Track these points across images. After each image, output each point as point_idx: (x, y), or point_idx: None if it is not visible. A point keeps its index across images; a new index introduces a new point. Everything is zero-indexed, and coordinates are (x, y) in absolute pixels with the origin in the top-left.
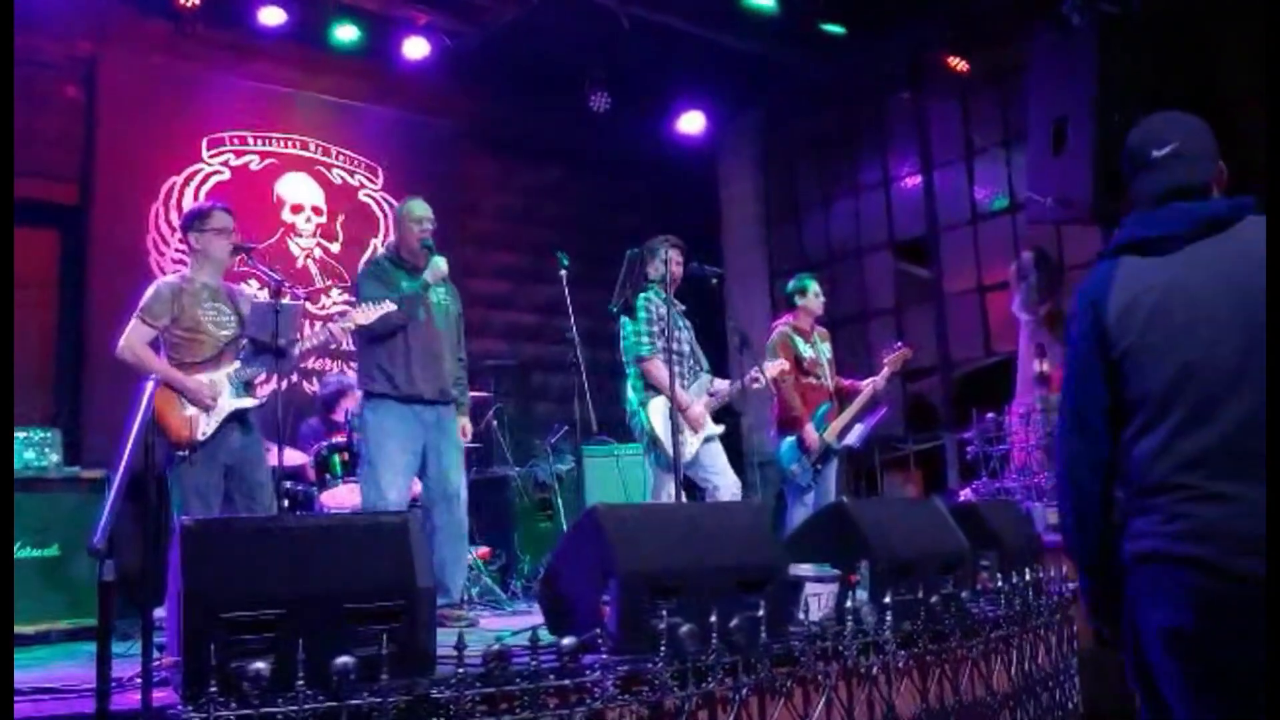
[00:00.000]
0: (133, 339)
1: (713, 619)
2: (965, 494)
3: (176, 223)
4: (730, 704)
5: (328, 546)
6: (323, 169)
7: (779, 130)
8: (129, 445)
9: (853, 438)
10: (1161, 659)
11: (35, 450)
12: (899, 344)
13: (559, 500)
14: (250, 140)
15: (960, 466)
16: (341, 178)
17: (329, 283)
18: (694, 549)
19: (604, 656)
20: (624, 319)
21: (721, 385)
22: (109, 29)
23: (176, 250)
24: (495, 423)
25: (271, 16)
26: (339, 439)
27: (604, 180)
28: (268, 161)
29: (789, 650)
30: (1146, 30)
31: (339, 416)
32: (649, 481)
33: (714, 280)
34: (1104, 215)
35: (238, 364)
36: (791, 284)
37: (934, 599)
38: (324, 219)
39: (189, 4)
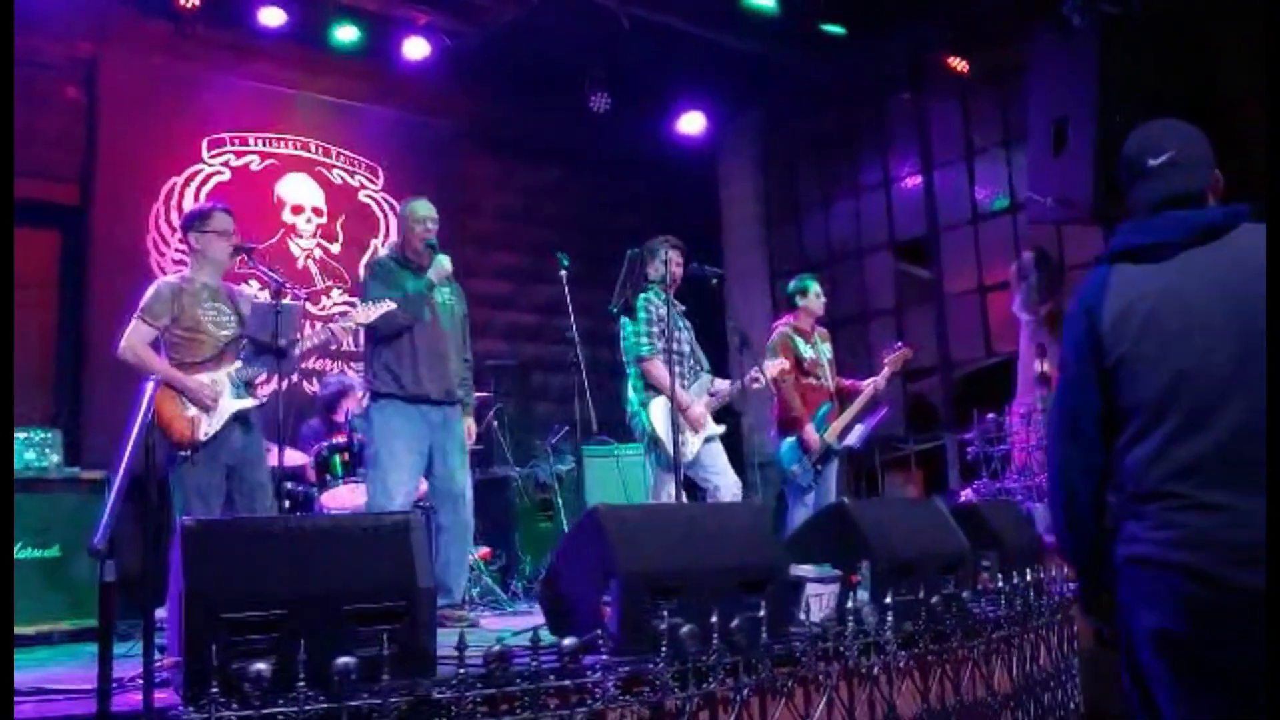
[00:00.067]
0: (133, 339)
1: (714, 619)
2: (966, 494)
3: (177, 223)
4: (731, 704)
5: (329, 547)
6: (323, 169)
7: (779, 130)
8: (129, 446)
9: (853, 438)
10: (1151, 660)
11: (36, 451)
12: (899, 344)
13: (559, 500)
14: (251, 141)
15: (961, 467)
16: (342, 178)
17: (329, 283)
18: (695, 549)
19: (605, 657)
20: (624, 319)
21: (722, 385)
22: (109, 29)
23: (177, 251)
24: (496, 423)
25: (272, 17)
26: (339, 439)
27: (604, 180)
28: (268, 162)
29: (790, 650)
30: (1146, 30)
31: (340, 417)
32: (649, 482)
33: (714, 280)
34: (1104, 216)
35: (238, 364)
36: (792, 284)
37: (935, 599)
38: (324, 219)
39: (189, 4)
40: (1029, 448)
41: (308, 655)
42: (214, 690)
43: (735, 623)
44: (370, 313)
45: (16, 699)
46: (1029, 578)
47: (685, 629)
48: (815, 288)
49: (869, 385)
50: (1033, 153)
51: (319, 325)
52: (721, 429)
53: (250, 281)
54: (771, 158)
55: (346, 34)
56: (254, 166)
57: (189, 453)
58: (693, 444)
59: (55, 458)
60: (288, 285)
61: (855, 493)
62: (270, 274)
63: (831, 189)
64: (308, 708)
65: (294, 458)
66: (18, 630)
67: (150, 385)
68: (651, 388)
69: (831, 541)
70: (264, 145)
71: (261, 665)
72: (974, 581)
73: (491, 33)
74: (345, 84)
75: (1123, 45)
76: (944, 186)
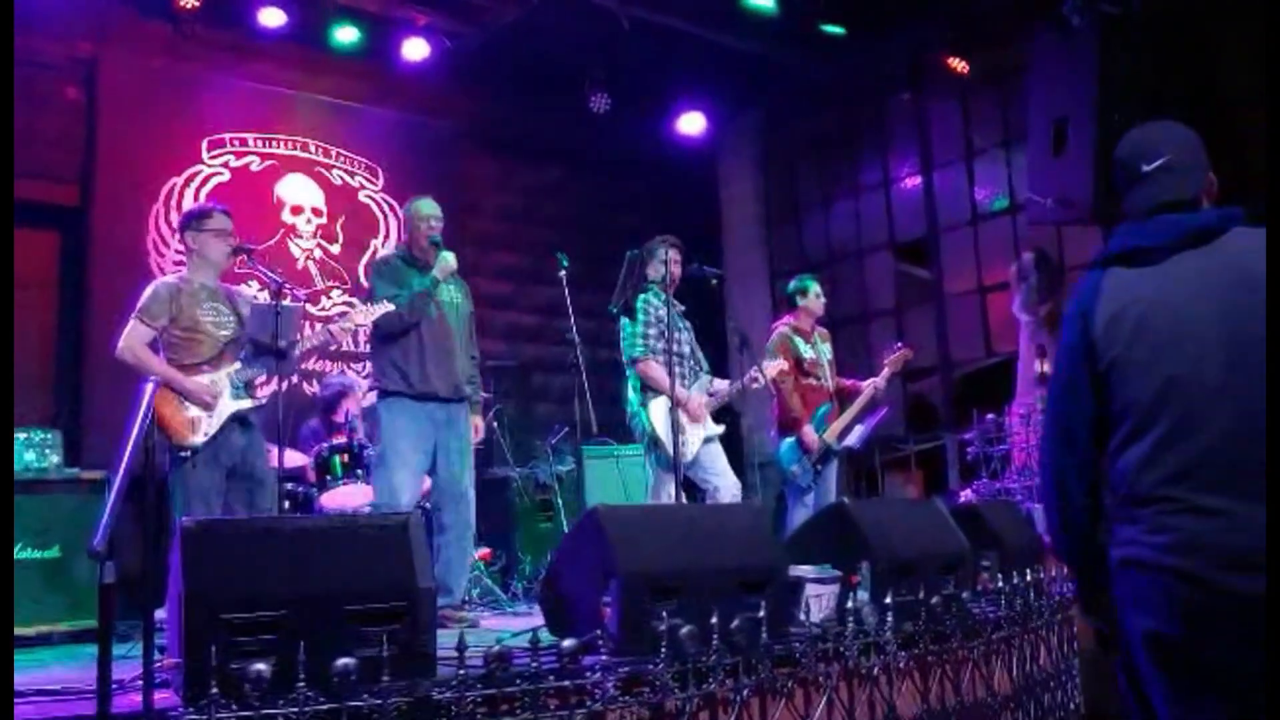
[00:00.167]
0: (132, 340)
1: (714, 620)
2: (966, 494)
3: (176, 224)
4: (731, 705)
5: (328, 548)
6: (323, 170)
7: (779, 130)
8: (129, 447)
9: (853, 438)
10: (1146, 661)
11: (36, 451)
12: (899, 345)
13: (559, 501)
14: (250, 141)
15: (961, 467)
16: (342, 179)
17: (329, 284)
18: (695, 550)
19: (605, 658)
20: (624, 320)
21: (721, 386)
22: (109, 30)
23: (177, 252)
24: (496, 424)
25: (271, 18)
26: (339, 440)
27: (604, 180)
28: (268, 163)
29: (790, 651)
30: (1146, 30)
31: (339, 418)
32: (649, 482)
33: (714, 281)
34: (1104, 216)
35: (238, 365)
36: (792, 284)
37: (935, 600)
38: (324, 220)
39: (189, 5)
40: (1029, 448)
41: (307, 656)
42: (214, 691)
43: (735, 623)
44: (370, 314)
45: (16, 700)
46: (1029, 578)
47: (685, 629)
48: (815, 288)
49: (869, 386)
50: (1032, 153)
51: (318, 326)
52: (721, 429)
53: (250, 282)
54: (771, 158)
55: (346, 35)
56: (254, 167)
57: (189, 454)
58: (692, 445)
59: (55, 458)
60: (287, 286)
61: (855, 493)
62: (270, 275)
63: (831, 189)
64: (308, 708)
65: (294, 459)
66: (18, 631)
67: (150, 386)
68: (651, 388)
69: (831, 542)
70: (264, 146)
71: (261, 666)
72: (974, 582)
73: (491, 33)
74: (345, 84)
75: (1123, 45)
76: (944, 187)
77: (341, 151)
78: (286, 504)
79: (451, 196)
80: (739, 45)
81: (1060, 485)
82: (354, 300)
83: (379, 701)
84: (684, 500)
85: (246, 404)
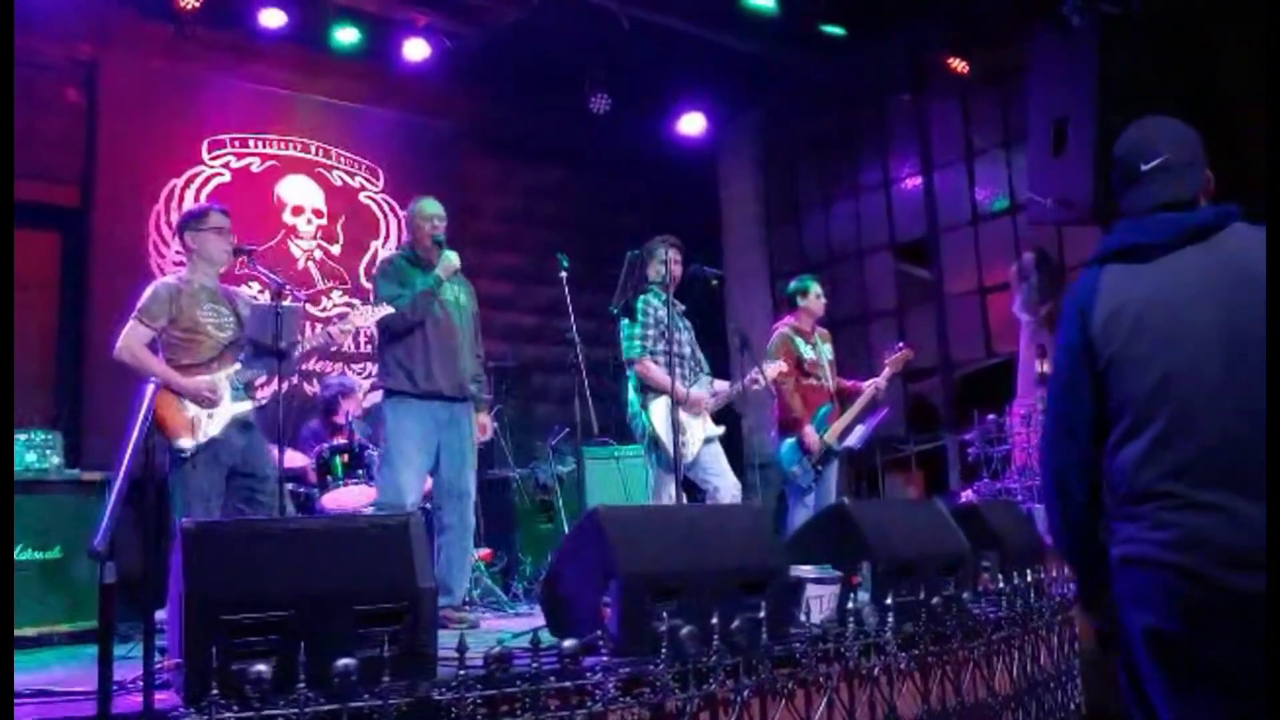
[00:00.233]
0: (131, 340)
1: (714, 620)
2: (966, 495)
3: (174, 226)
4: (732, 706)
5: (329, 548)
6: (323, 171)
7: (779, 131)
8: (129, 448)
9: (853, 439)
10: (1145, 658)
11: (36, 452)
12: (900, 345)
13: (560, 502)
14: (251, 142)
15: (961, 467)
16: (342, 179)
17: (330, 284)
18: (695, 551)
19: (605, 658)
20: (623, 320)
21: (722, 386)
22: (109, 31)
23: (177, 253)
24: (496, 424)
25: (272, 19)
26: (340, 441)
27: (604, 181)
28: (268, 164)
29: (790, 652)
30: (1146, 30)
31: (340, 419)
32: (650, 483)
33: (714, 281)
34: (1105, 216)
35: (238, 366)
36: (792, 285)
37: (935, 600)
38: (324, 221)
39: (189, 6)
40: (1029, 448)
41: (308, 657)
42: (214, 692)
43: (735, 624)
44: (369, 315)
45: (17, 701)
46: (1029, 578)
47: (685, 630)
48: (815, 288)
49: (869, 386)
50: (1033, 153)
51: (318, 328)
52: (721, 430)
53: (251, 283)
54: (771, 158)
55: (346, 35)
56: (254, 168)
57: (189, 455)
58: (693, 445)
59: (56, 459)
60: (288, 287)
61: (855, 493)
62: (270, 276)
63: (831, 189)
64: (308, 709)
65: (294, 459)
66: (18, 632)
67: (150, 387)
68: (651, 389)
69: (832, 542)
70: (264, 147)
71: (262, 667)
72: (974, 582)
73: (491, 34)
74: (345, 85)
75: (1123, 45)
76: (944, 187)
77: (342, 152)
78: (290, 505)
79: (452, 197)
80: (739, 45)
81: (1061, 484)
82: (354, 301)
83: (379, 702)
84: (684, 501)
85: (246, 406)
